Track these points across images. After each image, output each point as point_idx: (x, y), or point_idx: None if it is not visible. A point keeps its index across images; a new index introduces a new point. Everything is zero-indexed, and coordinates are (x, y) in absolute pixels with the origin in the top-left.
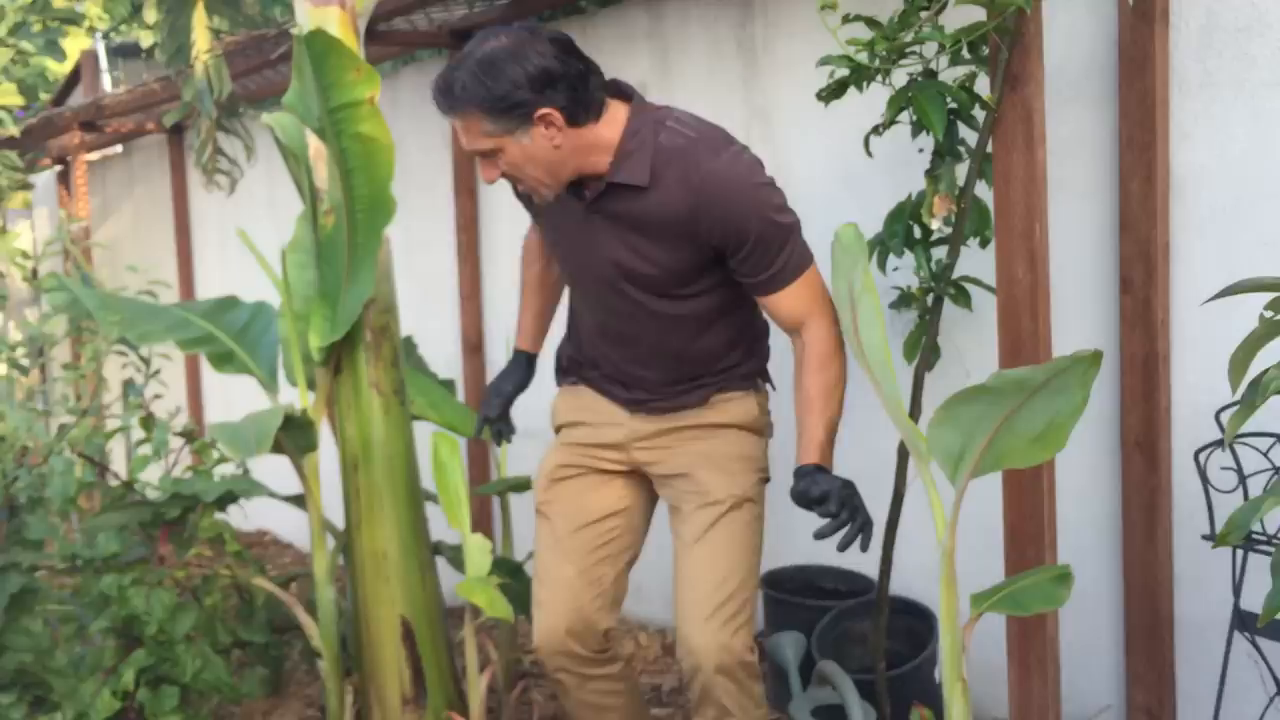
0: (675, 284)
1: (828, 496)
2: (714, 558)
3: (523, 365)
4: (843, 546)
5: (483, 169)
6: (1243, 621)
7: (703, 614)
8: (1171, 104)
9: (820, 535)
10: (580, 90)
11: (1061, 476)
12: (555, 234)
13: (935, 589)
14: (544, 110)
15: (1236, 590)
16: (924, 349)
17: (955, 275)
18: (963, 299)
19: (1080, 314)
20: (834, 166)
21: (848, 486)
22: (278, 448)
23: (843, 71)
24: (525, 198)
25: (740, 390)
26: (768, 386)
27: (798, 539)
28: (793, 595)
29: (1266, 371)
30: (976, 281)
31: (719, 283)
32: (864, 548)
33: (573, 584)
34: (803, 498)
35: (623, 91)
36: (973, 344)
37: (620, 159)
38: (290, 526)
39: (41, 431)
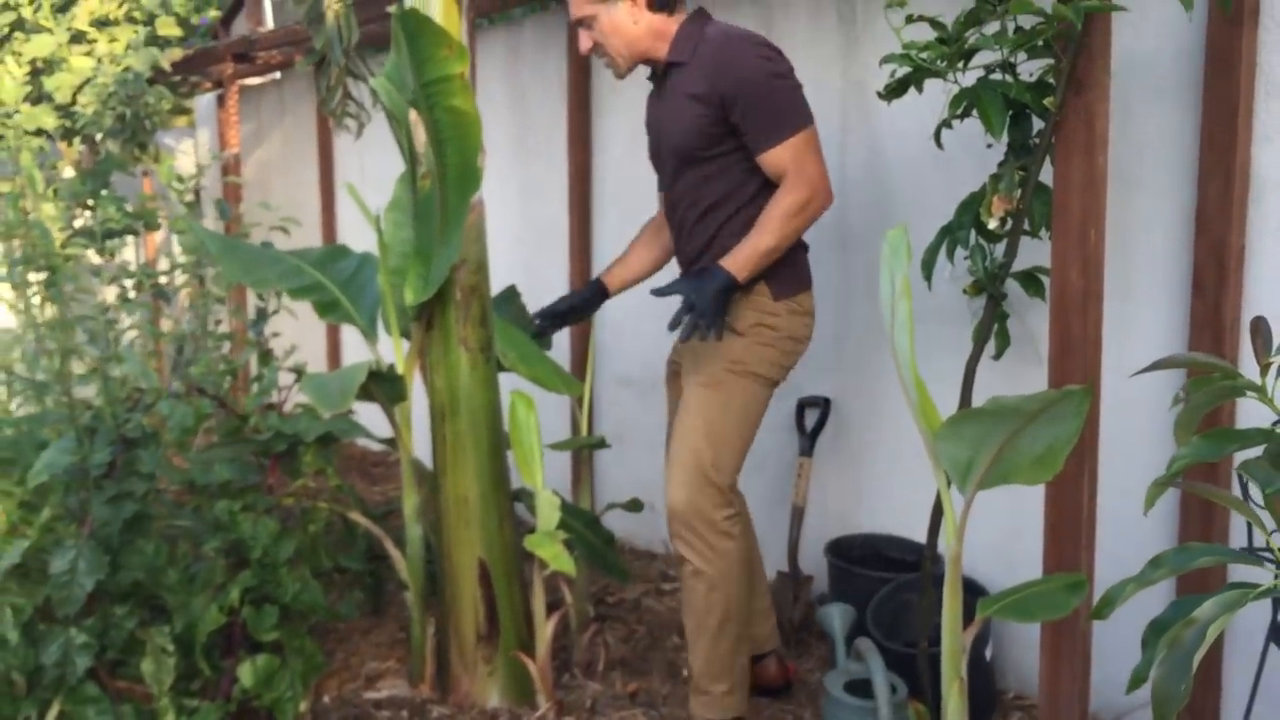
0: (698, 144)
1: (681, 294)
2: (678, 435)
3: (592, 289)
4: (675, 328)
5: (580, 38)
6: (1278, 635)
7: (669, 478)
8: (1255, 106)
9: (670, 326)
10: None
11: (1127, 472)
12: (648, 115)
13: (993, 568)
14: None
15: (1275, 604)
16: (976, 344)
17: (1029, 266)
18: (1033, 288)
19: (1152, 313)
20: (925, 144)
21: (699, 295)
22: (370, 397)
23: (905, 69)
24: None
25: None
26: (764, 289)
27: (866, 508)
28: (857, 564)
29: (1178, 452)
30: (1046, 271)
31: (727, 157)
32: (696, 336)
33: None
34: (663, 291)
35: (684, 4)
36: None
37: (674, 45)
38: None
39: (153, 378)
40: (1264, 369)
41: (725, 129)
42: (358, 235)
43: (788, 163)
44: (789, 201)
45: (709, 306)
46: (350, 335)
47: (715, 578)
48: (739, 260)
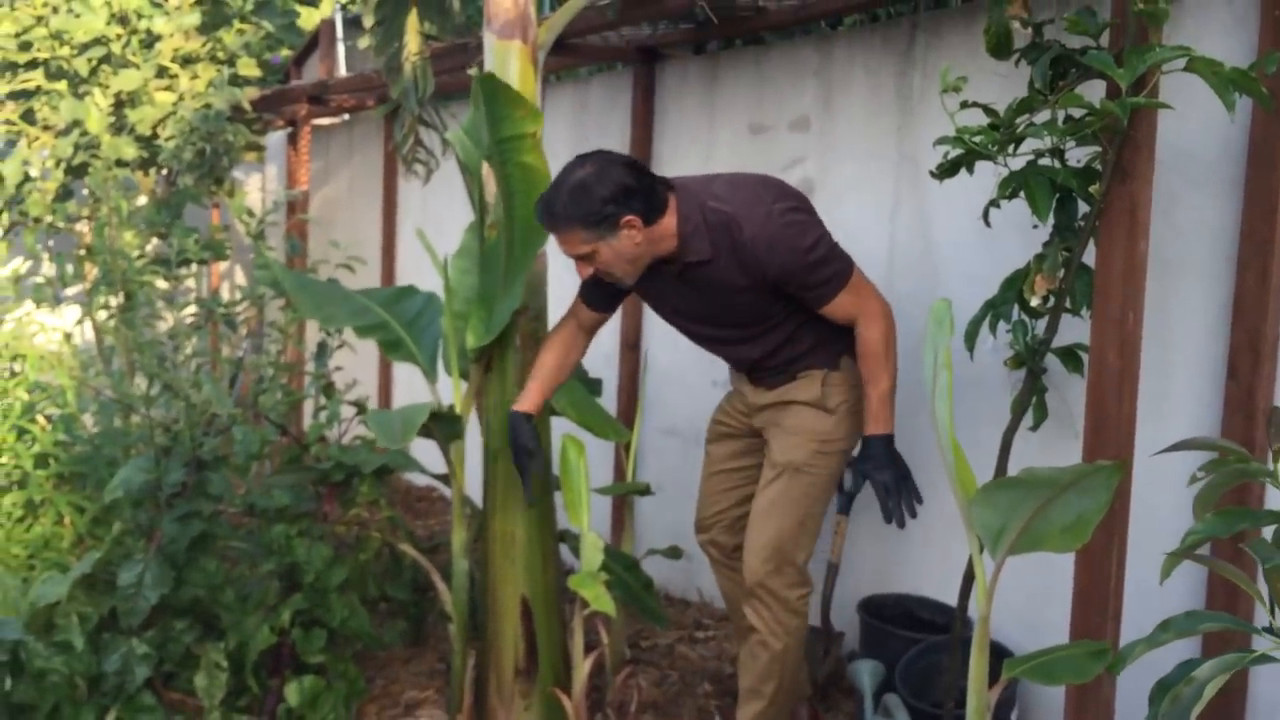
0: (760, 316)
1: (883, 484)
2: (767, 512)
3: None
4: (888, 518)
5: (579, 268)
6: None
7: (752, 551)
8: None
9: (886, 517)
10: (651, 197)
11: (1157, 545)
12: (655, 299)
13: (1020, 633)
14: (627, 217)
15: None
16: (1014, 416)
17: (1069, 341)
18: (1072, 364)
19: (1188, 394)
20: (972, 219)
21: (897, 465)
22: (428, 434)
23: (958, 151)
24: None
25: (818, 370)
26: (849, 363)
27: (900, 568)
28: (888, 623)
29: (1193, 527)
30: (1086, 348)
31: (782, 310)
32: (910, 514)
33: (704, 507)
34: (864, 478)
35: (669, 184)
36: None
37: (684, 242)
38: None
39: (229, 404)
40: (1275, 455)
41: (777, 295)
42: (416, 274)
43: (851, 307)
44: (875, 339)
45: (895, 473)
46: (401, 372)
47: (780, 651)
48: (877, 417)
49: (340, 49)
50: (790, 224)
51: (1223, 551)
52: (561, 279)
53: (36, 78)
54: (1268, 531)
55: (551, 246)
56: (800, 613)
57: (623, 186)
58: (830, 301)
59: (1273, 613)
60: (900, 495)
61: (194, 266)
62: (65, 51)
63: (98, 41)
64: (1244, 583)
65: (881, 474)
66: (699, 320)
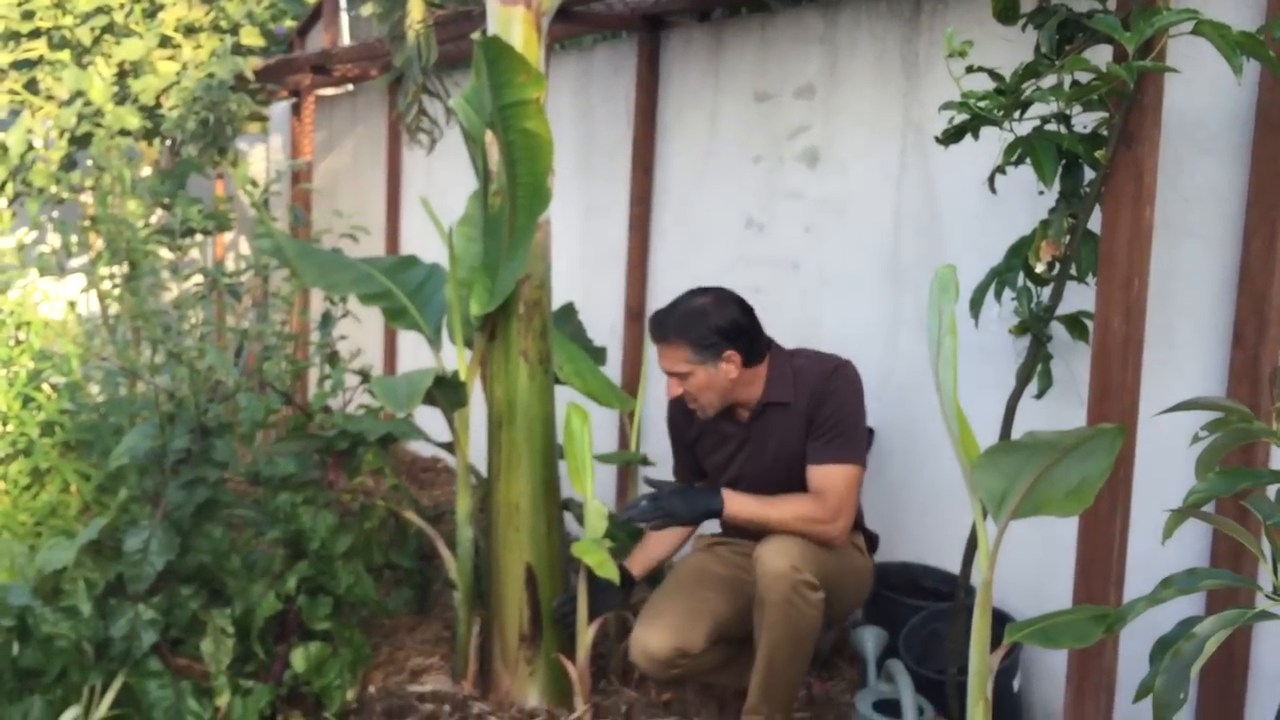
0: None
1: (655, 494)
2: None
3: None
4: (627, 508)
5: (670, 385)
6: None
7: (779, 555)
8: None
9: (628, 506)
10: (754, 343)
11: (1162, 512)
12: (716, 450)
13: (1026, 603)
14: (729, 351)
15: None
16: (1019, 383)
17: (1074, 309)
18: (1077, 331)
19: (1193, 361)
20: (979, 185)
21: (680, 500)
22: (432, 401)
23: (963, 117)
24: (679, 434)
25: None
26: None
27: (904, 537)
28: (892, 591)
29: (1195, 486)
30: (1091, 315)
31: None
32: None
33: (691, 626)
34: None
35: (770, 342)
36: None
37: (769, 384)
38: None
39: (234, 371)
40: (1277, 414)
41: None
42: (421, 244)
43: (830, 486)
44: (809, 512)
45: (684, 516)
46: (406, 341)
47: (805, 631)
48: (739, 508)
49: (344, 18)
50: (851, 388)
51: (1228, 514)
52: (568, 247)
53: (39, 47)
54: (1272, 491)
55: (555, 213)
56: (818, 607)
57: (735, 323)
58: (830, 463)
59: (1275, 571)
60: (649, 510)
61: (198, 237)
62: (68, 21)
63: (100, 10)
64: (1247, 539)
65: (671, 498)
66: (745, 477)
